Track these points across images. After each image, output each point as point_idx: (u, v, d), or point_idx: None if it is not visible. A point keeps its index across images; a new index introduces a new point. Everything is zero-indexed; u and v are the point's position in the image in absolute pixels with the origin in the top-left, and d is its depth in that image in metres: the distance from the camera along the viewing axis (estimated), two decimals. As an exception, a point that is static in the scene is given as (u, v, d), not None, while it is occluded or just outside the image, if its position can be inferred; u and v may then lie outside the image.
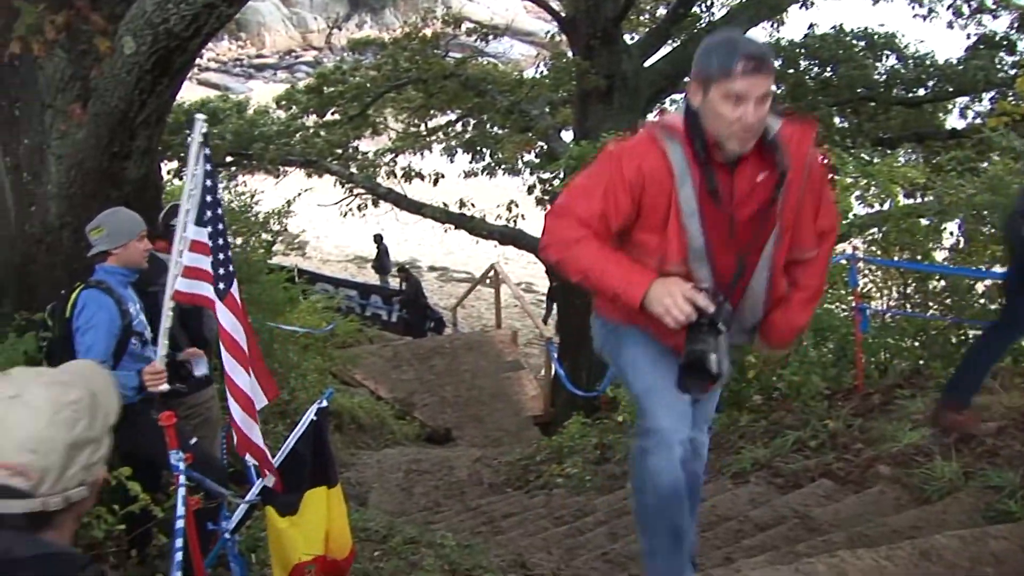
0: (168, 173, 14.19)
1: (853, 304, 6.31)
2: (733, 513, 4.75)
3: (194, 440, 3.14)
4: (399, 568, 4.38)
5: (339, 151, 16.44)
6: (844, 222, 6.88)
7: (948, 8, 13.77)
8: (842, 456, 5.00)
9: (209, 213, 3.52)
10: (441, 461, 9.79)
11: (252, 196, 10.61)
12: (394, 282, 20.39)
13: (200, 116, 3.46)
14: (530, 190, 17.15)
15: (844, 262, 6.59)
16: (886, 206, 7.19)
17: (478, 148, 16.84)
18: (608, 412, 9.24)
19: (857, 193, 7.24)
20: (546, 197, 16.39)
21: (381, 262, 21.23)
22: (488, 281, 19.16)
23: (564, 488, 7.02)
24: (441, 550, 4.74)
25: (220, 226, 3.54)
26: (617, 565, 4.46)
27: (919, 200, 7.48)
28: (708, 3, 14.80)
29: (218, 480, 3.34)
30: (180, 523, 2.72)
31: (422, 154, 17.31)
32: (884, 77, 13.19)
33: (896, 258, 6.78)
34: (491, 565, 4.57)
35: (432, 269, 27.49)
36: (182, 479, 2.88)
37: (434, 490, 8.53)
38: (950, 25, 13.88)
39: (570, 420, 9.16)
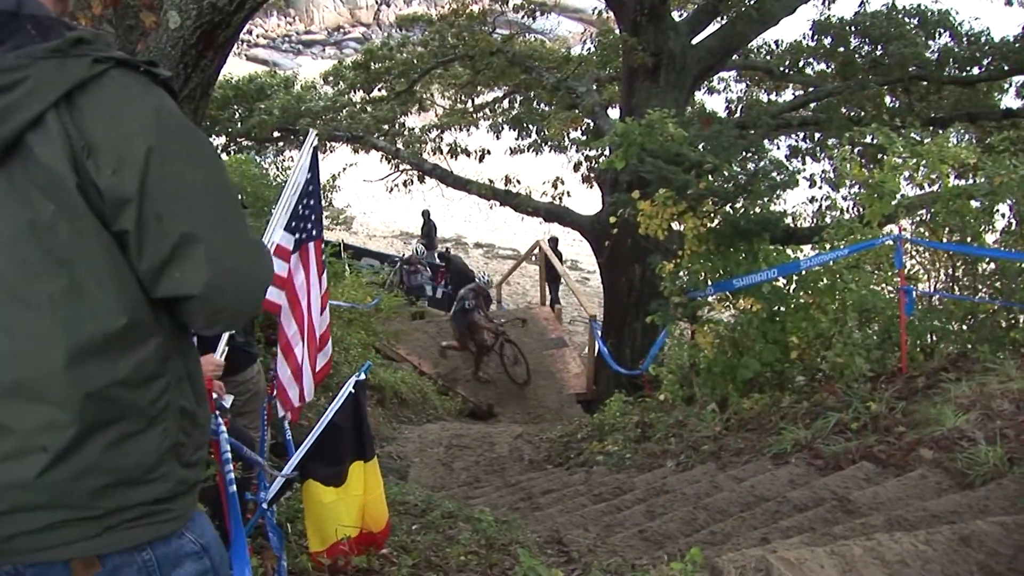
0: (217, 149, 14.37)
1: (899, 285, 6.20)
2: (772, 494, 4.71)
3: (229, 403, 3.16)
4: (435, 541, 4.41)
5: (385, 127, 16.49)
6: (892, 203, 6.74)
7: (1006, -15, 13.32)
8: (884, 439, 4.93)
9: (300, 223, 3.66)
10: (482, 437, 9.84)
11: (299, 172, 10.66)
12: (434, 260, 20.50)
13: (313, 131, 3.60)
14: (576, 167, 17.10)
15: (890, 243, 6.46)
16: (935, 187, 7.03)
17: (524, 125, 16.77)
18: (650, 391, 9.21)
19: (906, 173, 7.08)
20: (592, 175, 16.32)
21: (429, 237, 21.33)
22: (533, 258, 19.14)
23: (604, 465, 7.03)
24: (478, 525, 4.77)
25: (310, 214, 3.73)
26: (654, 543, 4.46)
27: (970, 181, 7.27)
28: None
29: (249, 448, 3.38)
30: (232, 488, 2.74)
31: (468, 130, 17.32)
32: (937, 55, 12.73)
33: (945, 240, 6.63)
34: (527, 540, 4.60)
35: (478, 246, 27.55)
36: (225, 446, 2.90)
37: (474, 465, 8.58)
38: (1008, 2, 13.41)
39: (612, 398, 9.16)
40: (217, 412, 2.87)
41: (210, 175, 1.49)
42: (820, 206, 13.62)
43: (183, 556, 1.57)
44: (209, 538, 1.63)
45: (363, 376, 3.68)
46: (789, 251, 7.45)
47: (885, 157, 7.00)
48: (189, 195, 1.44)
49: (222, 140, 14.46)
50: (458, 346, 13.92)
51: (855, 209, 11.10)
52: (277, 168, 11.19)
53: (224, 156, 13.40)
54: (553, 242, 18.03)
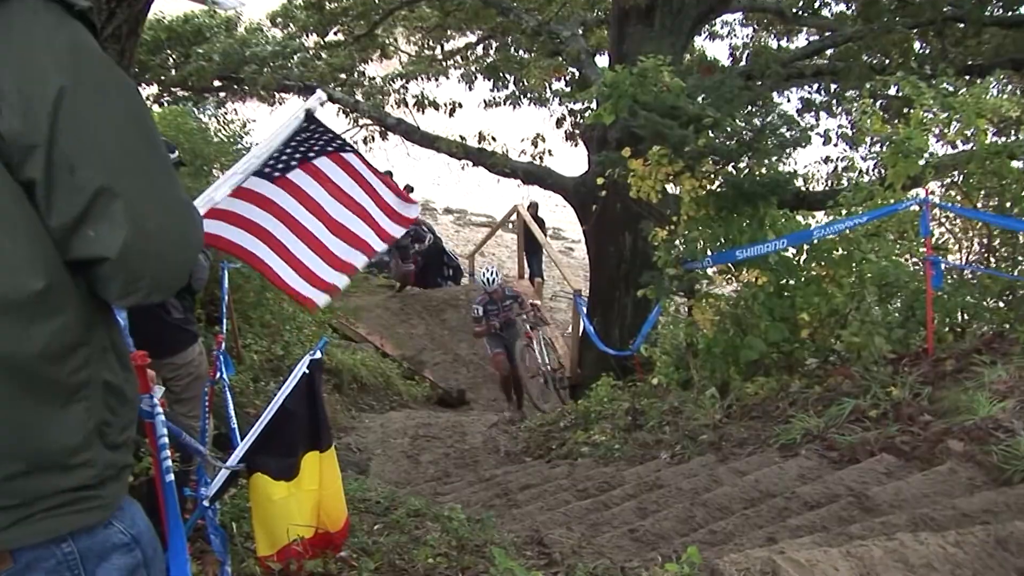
0: (148, 99, 14.16)
1: (924, 256, 6.19)
2: (779, 489, 4.71)
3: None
4: (400, 543, 4.38)
5: (343, 76, 16.32)
6: (919, 163, 6.72)
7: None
8: (907, 428, 4.94)
9: (276, 169, 3.67)
10: (452, 426, 9.83)
11: (243, 127, 10.52)
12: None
13: (320, 92, 3.68)
14: (559, 123, 17.03)
15: (915, 208, 6.46)
16: (969, 145, 6.99)
17: (500, 74, 16.67)
18: (641, 374, 9.23)
19: (936, 129, 7.07)
20: (576, 131, 16.25)
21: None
22: (510, 225, 19.09)
23: (590, 458, 7.04)
24: (449, 524, 4.74)
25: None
26: (646, 544, 4.45)
27: (1011, 138, 7.23)
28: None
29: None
30: (169, 477, 2.68)
31: (437, 81, 17.17)
32: (977, -8, 12.58)
33: (979, 206, 6.62)
34: (504, 541, 4.57)
35: (448, 212, 27.48)
36: (161, 430, 2.84)
37: (444, 458, 8.56)
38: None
39: (599, 382, 9.16)
40: (151, 393, 2.80)
41: (133, 123, 1.44)
42: (836, 167, 13.68)
43: (110, 548, 1.53)
44: (141, 528, 1.60)
45: (318, 354, 3.62)
46: (800, 217, 7.46)
47: (912, 110, 6.97)
48: (108, 144, 1.38)
49: (154, 89, 14.24)
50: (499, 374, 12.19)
51: (876, 170, 11.12)
52: (219, 122, 10.99)
53: (155, 108, 13.18)
54: (533, 207, 17.96)
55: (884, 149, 7.34)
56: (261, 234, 3.81)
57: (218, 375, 4.80)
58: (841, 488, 4.44)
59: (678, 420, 6.84)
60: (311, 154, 3.93)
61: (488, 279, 11.65)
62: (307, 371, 3.54)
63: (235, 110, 15.35)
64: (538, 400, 11.64)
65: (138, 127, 1.45)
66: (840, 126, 14.27)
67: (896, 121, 9.51)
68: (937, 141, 7.20)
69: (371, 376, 11.55)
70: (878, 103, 11.96)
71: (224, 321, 6.46)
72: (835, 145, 13.56)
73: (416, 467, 8.34)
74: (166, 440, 2.73)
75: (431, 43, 17.41)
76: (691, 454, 6.10)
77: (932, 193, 6.75)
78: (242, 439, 3.50)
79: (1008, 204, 6.53)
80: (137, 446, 3.02)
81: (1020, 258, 6.61)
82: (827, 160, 13.92)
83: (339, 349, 11.56)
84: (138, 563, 1.57)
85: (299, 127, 3.73)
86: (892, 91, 12.12)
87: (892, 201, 6.67)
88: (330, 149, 3.92)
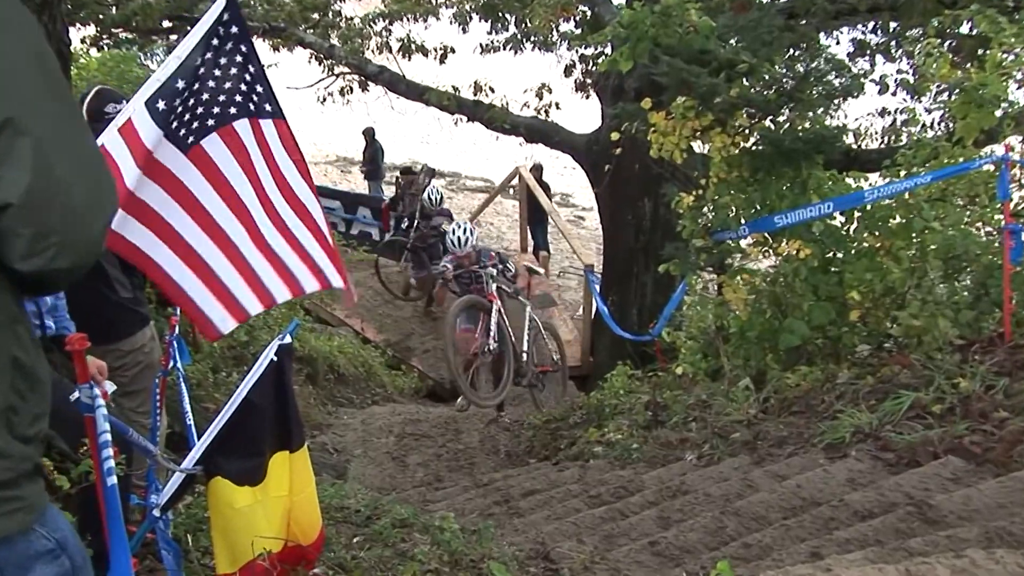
0: (83, 42, 14.06)
1: (1002, 224, 6.14)
2: (824, 496, 4.70)
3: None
4: (384, 557, 4.37)
5: (315, 16, 16.21)
6: (995, 114, 6.65)
7: None
8: (978, 426, 4.91)
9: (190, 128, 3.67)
10: (445, 423, 9.84)
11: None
12: (390, 191, 20.27)
13: None
14: (567, 71, 16.92)
15: (990, 167, 6.39)
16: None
17: (499, 14, 16.51)
18: (664, 363, 9.21)
19: (1017, 74, 6.98)
20: (588, 80, 16.17)
21: (375, 164, 21.11)
22: (511, 190, 19.04)
23: (604, 459, 7.03)
24: (440, 535, 4.73)
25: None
26: (668, 558, 4.44)
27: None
28: None
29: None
30: (112, 480, 2.65)
31: (426, 22, 17.02)
32: None
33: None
34: (504, 555, 4.56)
35: (439, 174, 27.38)
36: (103, 425, 2.80)
37: (435, 460, 8.57)
38: None
39: (614, 372, 9.15)
40: (91, 383, 2.77)
41: (38, 63, 1.46)
42: (894, 120, 13.56)
43: (33, 557, 1.52)
44: (65, 532, 1.58)
45: (288, 340, 3.59)
46: (850, 179, 7.40)
47: (988, 51, 6.89)
48: (12, 79, 1.39)
49: (91, 30, 14.13)
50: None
51: (942, 123, 11.03)
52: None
53: (94, 52, 13.11)
54: (537, 170, 17.91)
55: (953, 98, 7.27)
56: (167, 234, 3.76)
57: (172, 364, 4.77)
58: (898, 495, 4.42)
59: (706, 415, 6.82)
60: (231, 109, 3.86)
61: (458, 239, 10.32)
62: (275, 359, 3.51)
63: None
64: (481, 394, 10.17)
65: (43, 69, 1.46)
66: (899, 72, 14.09)
67: (968, 65, 9.38)
68: (1019, 88, 7.11)
69: (350, 365, 11.55)
70: (946, 43, 11.83)
71: (179, 301, 6.44)
72: (893, 94, 13.41)
73: (402, 470, 8.34)
74: (108, 437, 2.70)
75: (419, -24, 17.29)
76: (721, 455, 6.09)
77: (1012, 150, 6.69)
78: (199, 438, 3.47)
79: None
80: (74, 446, 3.01)
81: None
82: (883, 112, 13.81)
83: (313, 334, 11.55)
84: (66, 572, 1.55)
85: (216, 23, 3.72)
86: (964, 28, 11.95)
87: (962, 159, 6.62)
88: (252, 108, 3.88)
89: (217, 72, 3.80)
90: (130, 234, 3.63)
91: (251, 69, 3.93)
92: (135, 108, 3.63)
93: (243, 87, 3.89)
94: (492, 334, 9.88)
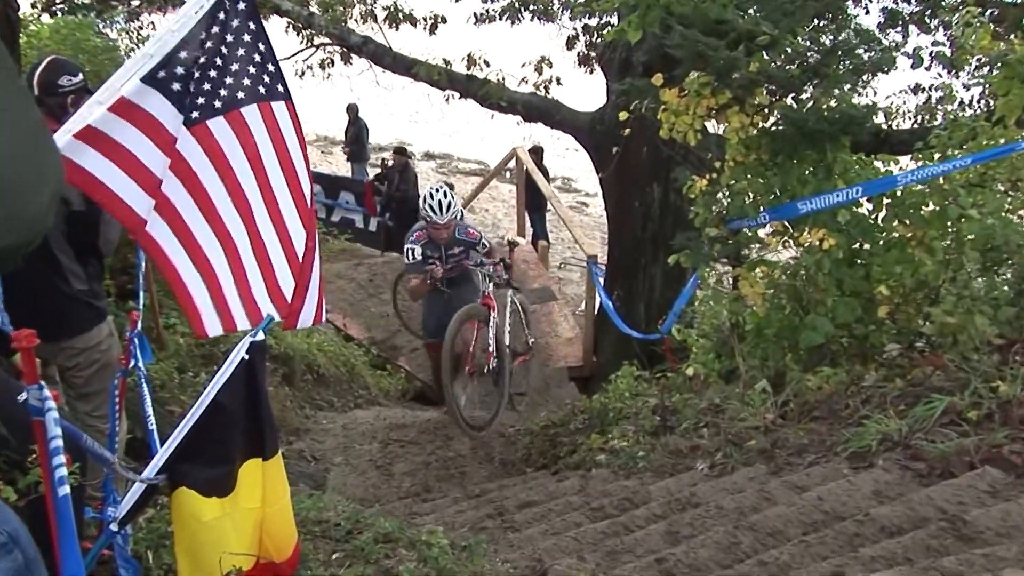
0: (34, 7, 14.01)
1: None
2: (848, 510, 4.70)
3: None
4: (366, 575, 4.37)
5: (293, -19, 16.20)
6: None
7: None
8: (1018, 435, 4.91)
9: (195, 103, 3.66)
10: (434, 428, 9.81)
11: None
12: (375, 173, 20.25)
13: None
14: (570, 42, 16.91)
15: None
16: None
17: (495, -22, 16.54)
18: (673, 363, 9.21)
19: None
20: (593, 53, 16.14)
21: (359, 144, 21.08)
22: (508, 174, 19.02)
23: (607, 468, 7.03)
24: (427, 551, 4.72)
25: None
26: (678, 578, 4.44)
27: None
28: None
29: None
30: (64, 491, 2.62)
31: (414, -13, 17.04)
32: None
33: None
34: (497, 573, 4.56)
35: (429, 156, 27.43)
36: (54, 429, 2.77)
37: (423, 468, 8.57)
38: None
39: (619, 373, 9.14)
40: (41, 383, 2.75)
41: None
42: (928, 97, 13.55)
43: None
44: (16, 526, 1.58)
45: (261, 336, 3.57)
46: (879, 162, 7.38)
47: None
48: None
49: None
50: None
51: (982, 101, 11.02)
52: (131, 39, 10.87)
53: (46, 18, 13.04)
54: (537, 152, 17.91)
55: (994, 73, 7.25)
56: (169, 212, 3.80)
57: (132, 363, 4.75)
58: (930, 509, 4.42)
59: (719, 421, 6.82)
60: (239, 94, 3.91)
61: (438, 204, 8.93)
62: (246, 357, 3.50)
63: (152, 24, 15.21)
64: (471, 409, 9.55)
65: None
66: (935, 44, 14.06)
67: (1012, 36, 9.38)
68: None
69: (331, 365, 11.53)
70: (987, 12, 11.81)
71: (141, 295, 6.40)
72: (927, 69, 13.37)
73: (387, 480, 8.34)
74: (60, 443, 2.67)
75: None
76: (736, 464, 6.09)
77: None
78: (162, 444, 3.46)
79: None
80: (23, 452, 2.99)
81: None
82: (917, 89, 13.82)
83: (289, 330, 11.52)
84: (19, 566, 1.55)
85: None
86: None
87: (1003, 141, 6.61)
88: (262, 92, 3.94)
89: (224, 50, 3.89)
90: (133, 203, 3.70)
91: (260, 48, 4.01)
92: (131, 85, 3.64)
93: (252, 68, 3.96)
94: (492, 348, 9.34)
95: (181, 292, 3.96)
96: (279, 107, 4.06)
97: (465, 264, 9.53)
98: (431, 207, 8.89)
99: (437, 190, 9.06)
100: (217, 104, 3.87)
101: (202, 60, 3.82)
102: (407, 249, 9.27)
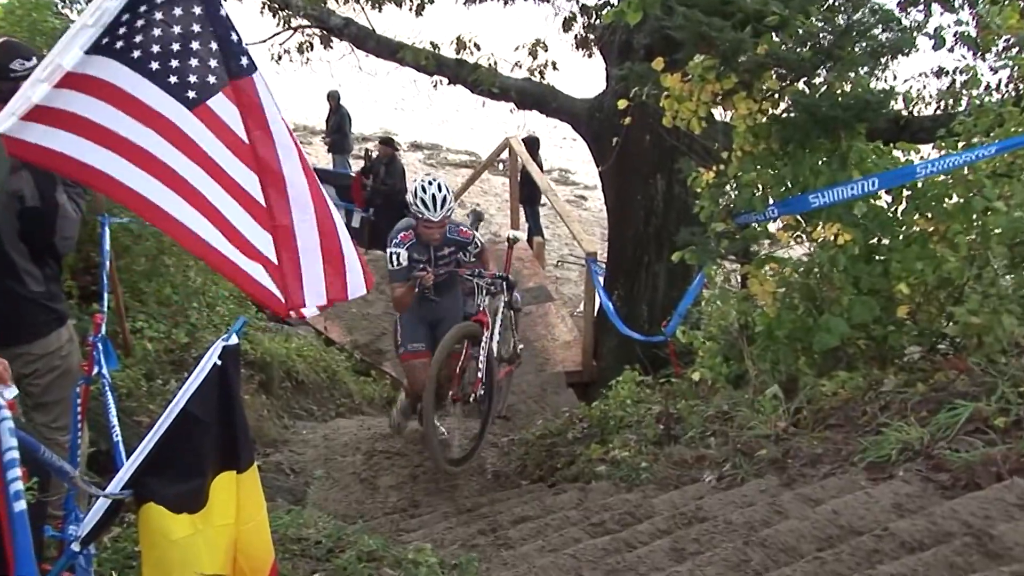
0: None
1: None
2: (866, 524, 4.69)
3: None
4: (348, 598, 4.37)
5: (268, -42, 16.20)
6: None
7: None
8: (1048, 443, 4.90)
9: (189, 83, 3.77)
10: (423, 438, 9.80)
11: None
12: (358, 165, 20.22)
13: None
14: (566, 24, 16.90)
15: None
16: None
17: (487, -45, 16.57)
18: (678, 368, 9.21)
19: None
20: (591, 36, 16.15)
21: (341, 134, 21.05)
22: (500, 165, 19.01)
23: (608, 480, 7.05)
24: (415, 571, 4.73)
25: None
26: (685, 599, 4.44)
27: None
28: None
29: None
30: (19, 507, 2.60)
31: (400, -35, 17.05)
32: None
33: None
34: (491, 595, 4.56)
35: (416, 147, 27.42)
36: (8, 440, 2.75)
37: (410, 482, 8.57)
38: None
39: (620, 379, 9.14)
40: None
41: None
42: (952, 81, 13.54)
43: None
44: None
45: (235, 340, 3.56)
46: (898, 151, 7.38)
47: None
48: None
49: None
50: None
51: (1009, 85, 11.02)
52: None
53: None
54: (532, 143, 17.90)
55: (1022, 55, 7.25)
56: (193, 198, 3.80)
57: (96, 370, 4.74)
58: (954, 524, 4.41)
59: (727, 429, 6.82)
60: (233, 63, 3.93)
61: (431, 198, 8.12)
62: (219, 363, 3.49)
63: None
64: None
65: None
66: (959, 23, 14.06)
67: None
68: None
69: (311, 371, 11.53)
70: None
71: (105, 296, 6.40)
72: (951, 51, 13.33)
73: (372, 494, 8.34)
74: (16, 455, 2.67)
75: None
76: (745, 475, 6.09)
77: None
78: (128, 457, 3.45)
79: None
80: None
81: None
82: (939, 72, 13.81)
83: (266, 334, 11.52)
84: None
85: None
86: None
87: (1031, 129, 6.61)
88: (226, 73, 3.94)
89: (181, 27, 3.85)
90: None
91: (217, 24, 3.97)
92: (74, 57, 3.63)
93: (212, 48, 3.91)
94: (481, 374, 8.61)
95: (231, 269, 3.96)
96: (247, 83, 4.04)
97: (462, 271, 8.84)
98: (423, 202, 8.10)
99: (430, 183, 8.23)
100: (211, 79, 3.87)
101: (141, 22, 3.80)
102: (391, 254, 8.40)
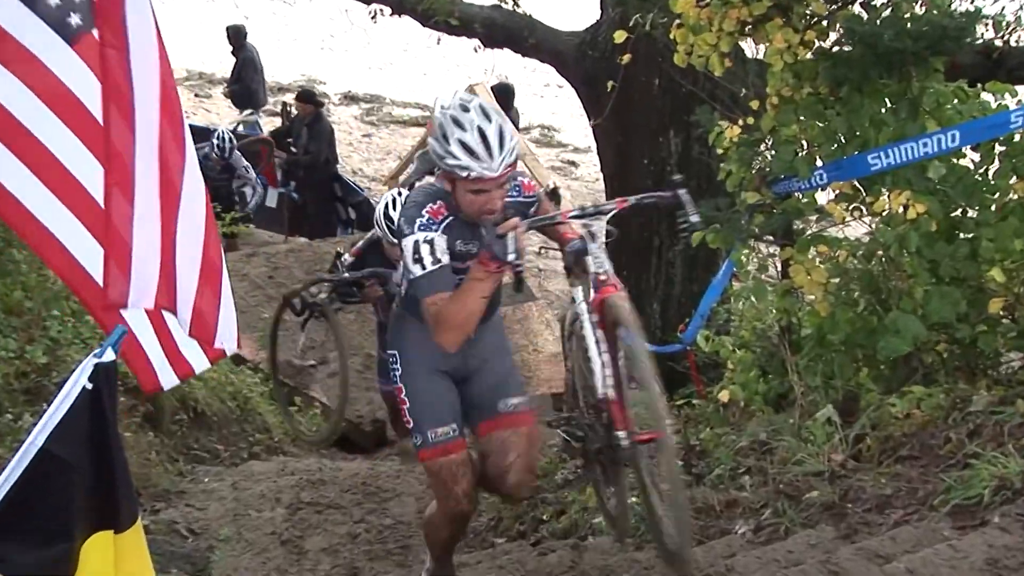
0: None
1: None
2: (952, 584, 4.71)
3: None
4: None
5: None
6: None
7: None
8: None
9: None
10: (363, 485, 9.82)
11: None
12: (270, 125, 20.21)
13: None
14: (547, -66, 16.99)
15: None
16: None
17: None
18: (701, 384, 9.23)
19: None
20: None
21: (246, 84, 21.01)
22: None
23: (607, 535, 7.01)
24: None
25: None
26: None
27: None
28: None
29: None
30: None
31: None
32: None
33: None
34: None
35: (350, 99, 27.38)
36: None
37: (349, 543, 8.55)
38: None
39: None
40: None
41: None
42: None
43: None
44: None
45: (110, 355, 3.55)
46: (988, 95, 7.41)
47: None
48: None
49: None
50: None
51: None
52: None
53: None
54: (504, 92, 17.90)
55: None
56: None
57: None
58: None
59: (766, 465, 6.83)
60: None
61: (474, 137, 5.43)
62: (89, 385, 3.48)
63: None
64: None
65: None
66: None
67: None
68: None
69: (214, 399, 11.48)
70: None
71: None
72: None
73: (297, 560, 8.32)
74: None
75: None
76: (791, 525, 6.11)
77: None
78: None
79: None
80: None
81: None
82: (1042, -8, 13.94)
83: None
84: None
85: None
86: None
87: None
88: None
89: None
90: None
91: None
92: None
93: None
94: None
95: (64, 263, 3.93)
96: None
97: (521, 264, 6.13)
98: (464, 145, 5.49)
99: (468, 103, 5.69)
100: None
101: None
102: (414, 243, 5.81)
